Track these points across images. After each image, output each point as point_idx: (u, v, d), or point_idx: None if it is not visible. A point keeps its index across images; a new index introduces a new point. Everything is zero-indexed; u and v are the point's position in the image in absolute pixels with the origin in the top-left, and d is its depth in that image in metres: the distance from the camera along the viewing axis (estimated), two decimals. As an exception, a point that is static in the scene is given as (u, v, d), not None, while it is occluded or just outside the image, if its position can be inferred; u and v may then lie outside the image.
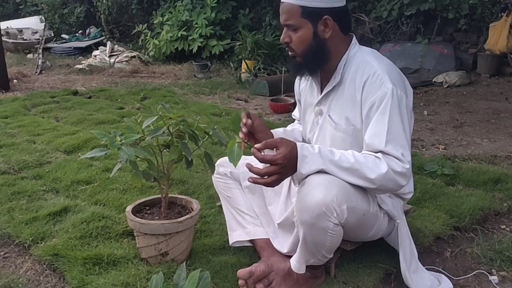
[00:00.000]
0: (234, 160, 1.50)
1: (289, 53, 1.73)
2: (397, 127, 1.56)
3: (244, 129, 1.70)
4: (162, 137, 1.77)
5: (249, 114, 1.75)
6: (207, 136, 1.80)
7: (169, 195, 1.97)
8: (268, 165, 1.52)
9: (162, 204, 1.92)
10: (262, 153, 1.53)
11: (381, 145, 1.54)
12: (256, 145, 1.53)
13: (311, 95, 1.85)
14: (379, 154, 1.54)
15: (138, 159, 1.76)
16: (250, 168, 1.54)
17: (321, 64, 1.70)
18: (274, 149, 1.52)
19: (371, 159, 1.54)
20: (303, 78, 1.88)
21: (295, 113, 2.10)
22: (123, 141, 1.67)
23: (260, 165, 1.55)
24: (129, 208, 1.92)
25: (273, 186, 1.57)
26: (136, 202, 1.99)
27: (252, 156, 1.54)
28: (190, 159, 1.79)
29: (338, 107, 1.71)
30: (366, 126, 1.61)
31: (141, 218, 1.87)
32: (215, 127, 1.74)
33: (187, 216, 1.86)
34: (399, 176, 1.53)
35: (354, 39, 1.73)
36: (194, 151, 1.82)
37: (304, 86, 1.91)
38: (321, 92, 1.77)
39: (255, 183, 1.56)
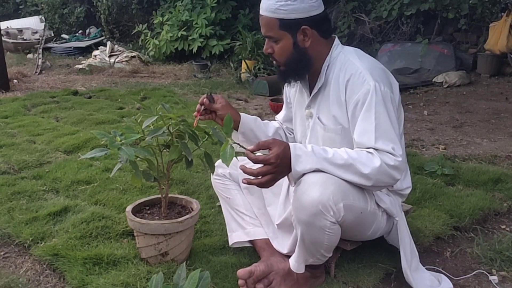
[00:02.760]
0: (227, 161, 1.52)
1: (274, 62, 1.77)
2: (385, 122, 1.57)
3: (198, 106, 1.81)
4: (162, 137, 1.77)
5: (211, 95, 1.82)
6: (207, 136, 1.80)
7: (169, 195, 1.97)
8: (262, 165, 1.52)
9: (162, 204, 1.92)
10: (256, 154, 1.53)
11: (370, 142, 1.56)
12: (249, 147, 1.54)
13: (302, 99, 1.87)
14: (371, 150, 1.56)
15: (138, 159, 1.76)
16: (244, 169, 1.55)
17: (304, 71, 1.75)
18: (268, 150, 1.53)
19: (363, 154, 1.55)
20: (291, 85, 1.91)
21: (278, 116, 2.10)
22: (123, 141, 1.67)
23: (254, 167, 1.56)
24: (129, 208, 1.92)
25: (268, 187, 1.58)
26: (136, 202, 1.99)
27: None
28: (190, 159, 1.79)
29: (325, 108, 1.74)
30: (354, 124, 1.63)
31: (141, 218, 1.87)
32: (215, 127, 1.74)
33: (187, 216, 1.86)
34: (393, 170, 1.54)
35: (336, 41, 1.76)
36: (194, 151, 1.82)
37: (294, 91, 1.93)
38: (310, 95, 1.79)
39: (249, 184, 1.57)
